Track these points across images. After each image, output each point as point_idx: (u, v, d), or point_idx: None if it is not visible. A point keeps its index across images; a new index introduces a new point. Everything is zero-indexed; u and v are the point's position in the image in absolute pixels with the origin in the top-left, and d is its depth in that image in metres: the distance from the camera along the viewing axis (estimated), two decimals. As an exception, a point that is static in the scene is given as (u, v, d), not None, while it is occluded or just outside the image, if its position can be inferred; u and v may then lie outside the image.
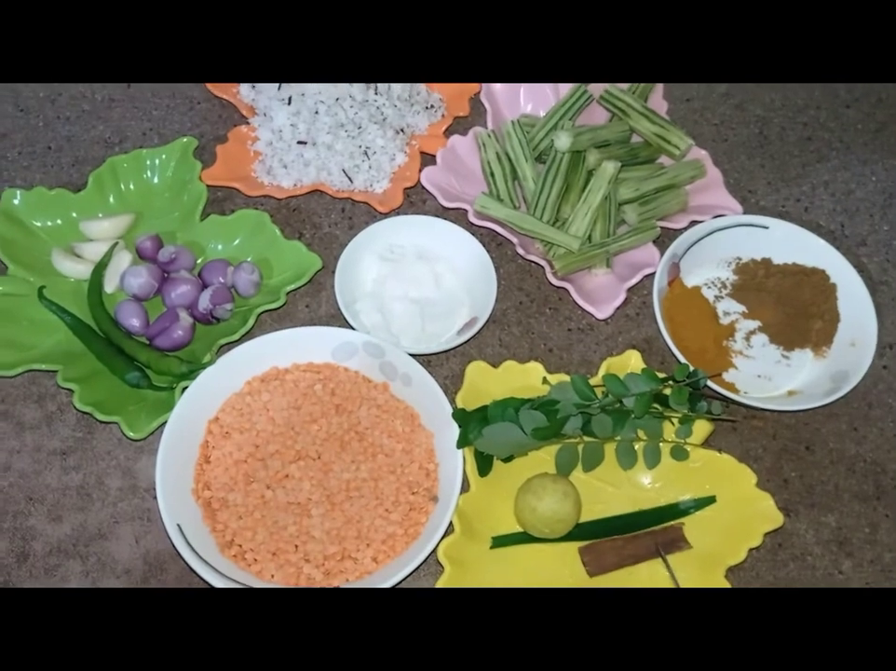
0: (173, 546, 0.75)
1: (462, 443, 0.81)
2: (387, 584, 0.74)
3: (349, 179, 0.98)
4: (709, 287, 0.97)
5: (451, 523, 0.78)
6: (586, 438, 0.83)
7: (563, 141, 0.94)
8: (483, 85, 1.04)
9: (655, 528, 0.83)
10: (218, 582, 0.73)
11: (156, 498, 0.77)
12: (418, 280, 0.93)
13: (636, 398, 0.81)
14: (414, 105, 1.03)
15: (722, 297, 0.96)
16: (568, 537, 0.80)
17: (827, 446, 0.89)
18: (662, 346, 0.91)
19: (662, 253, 0.93)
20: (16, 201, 0.93)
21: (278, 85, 1.00)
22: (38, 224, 0.94)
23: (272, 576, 0.77)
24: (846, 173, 1.07)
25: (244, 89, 1.03)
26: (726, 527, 0.81)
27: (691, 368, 0.83)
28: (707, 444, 0.85)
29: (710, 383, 0.84)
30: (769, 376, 0.92)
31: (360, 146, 0.98)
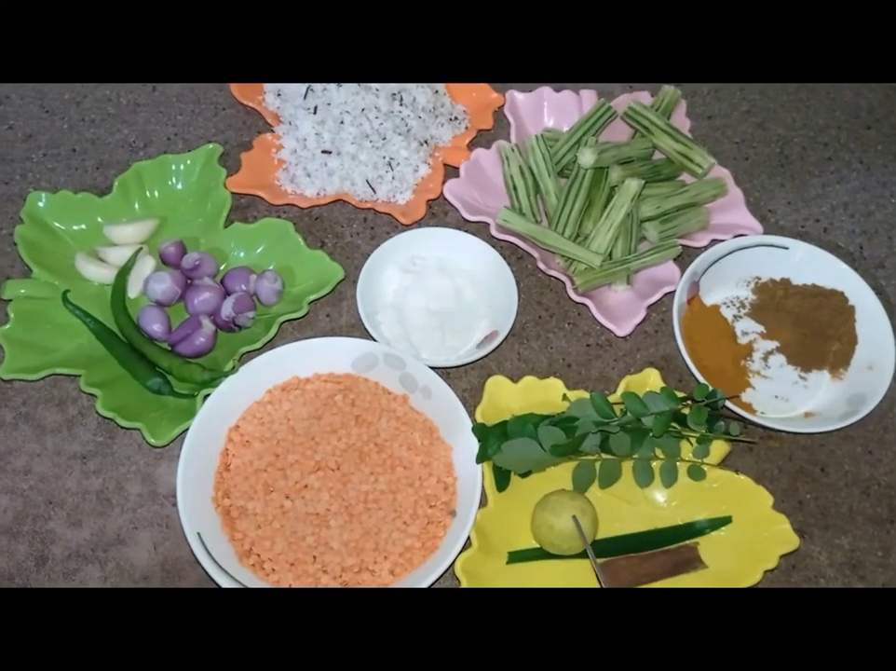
0: (192, 554, 0.76)
1: (482, 457, 0.81)
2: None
3: (372, 189, 0.98)
4: (728, 306, 0.97)
5: (468, 537, 0.79)
6: (604, 455, 0.83)
7: (587, 157, 0.94)
8: (507, 98, 1.04)
9: (670, 547, 0.83)
10: (237, 592, 0.74)
11: (175, 504, 0.78)
12: (439, 293, 0.94)
13: (655, 417, 0.82)
14: (438, 117, 1.03)
15: (741, 317, 0.96)
16: (584, 554, 0.80)
17: (842, 469, 0.90)
18: (681, 364, 0.92)
19: (682, 271, 0.94)
20: (41, 204, 0.93)
21: (303, 94, 1.01)
22: (63, 227, 0.94)
23: (290, 586, 0.77)
24: (865, 195, 1.07)
25: (269, 96, 1.04)
26: (742, 548, 0.81)
27: (710, 388, 0.84)
28: (724, 464, 0.86)
29: (728, 403, 0.85)
30: (786, 396, 0.92)
31: (384, 157, 0.98)
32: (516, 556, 0.81)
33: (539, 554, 0.82)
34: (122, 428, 0.85)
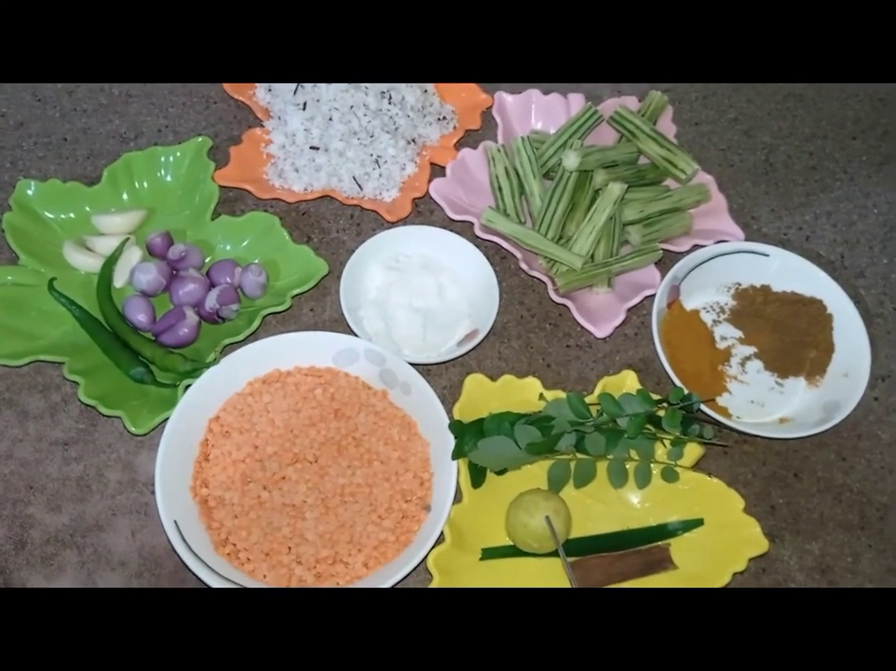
0: (169, 541, 0.77)
1: (457, 454, 0.82)
2: (377, 590, 0.76)
3: (359, 186, 0.99)
4: (707, 311, 0.98)
5: (442, 533, 0.80)
6: (579, 455, 0.84)
7: (571, 160, 0.95)
8: (496, 99, 1.06)
9: (642, 548, 0.84)
10: (211, 580, 0.75)
11: (153, 493, 0.79)
12: (422, 290, 0.95)
13: (630, 418, 0.83)
14: (426, 116, 1.04)
15: (720, 322, 0.98)
16: (557, 552, 0.82)
17: (815, 475, 0.91)
18: (658, 367, 0.93)
19: (663, 274, 0.95)
20: (30, 192, 0.94)
21: (293, 89, 1.01)
22: (51, 216, 0.95)
23: (264, 576, 0.78)
24: (848, 204, 1.09)
25: (260, 91, 1.05)
26: (712, 550, 0.82)
27: (685, 391, 0.85)
28: (697, 466, 0.87)
29: (703, 407, 0.86)
30: (762, 402, 0.93)
31: (372, 155, 0.99)
32: (489, 553, 0.82)
33: (512, 551, 0.82)
34: (104, 416, 0.86)
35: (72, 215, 0.95)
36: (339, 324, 0.94)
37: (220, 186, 0.97)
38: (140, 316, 0.89)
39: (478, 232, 0.96)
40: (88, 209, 0.96)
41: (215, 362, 0.85)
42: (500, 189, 0.99)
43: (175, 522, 0.77)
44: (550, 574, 0.82)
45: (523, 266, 0.94)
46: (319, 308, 0.96)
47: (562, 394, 0.87)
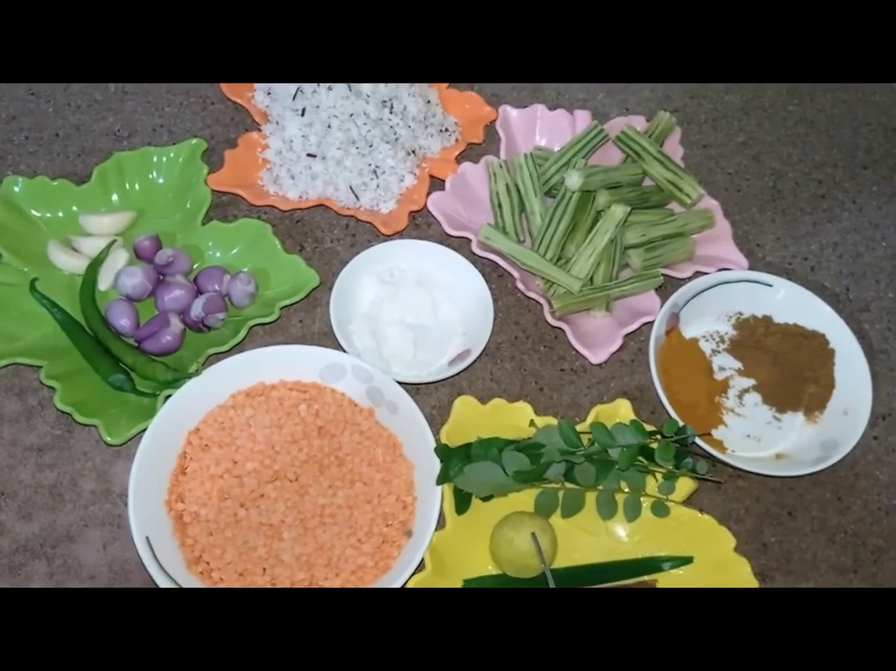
0: (139, 558, 0.74)
1: (442, 479, 0.80)
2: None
3: (356, 196, 0.97)
4: (707, 340, 0.96)
5: (423, 560, 0.77)
6: (568, 484, 0.82)
7: (574, 180, 0.93)
8: (500, 113, 1.03)
9: (628, 581, 0.82)
10: (181, 600, 0.73)
11: (127, 505, 0.76)
12: (415, 306, 0.92)
13: (622, 450, 0.80)
14: (427, 128, 1.02)
15: (719, 352, 0.95)
16: (541, 579, 0.79)
17: (810, 514, 0.88)
18: (654, 395, 0.90)
19: (663, 300, 0.92)
20: (17, 189, 0.92)
21: (293, 94, 0.99)
22: (38, 214, 0.93)
23: (236, 597, 0.76)
24: (856, 236, 1.06)
25: (259, 94, 1.02)
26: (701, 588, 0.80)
27: (680, 424, 0.83)
28: (690, 501, 0.84)
29: (698, 440, 0.84)
30: (759, 436, 0.91)
31: (370, 165, 0.97)
32: (472, 583, 0.80)
33: (495, 580, 0.80)
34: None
35: (59, 214, 0.93)
36: (328, 337, 0.91)
37: (212, 191, 0.95)
38: (123, 321, 0.87)
39: (475, 249, 0.94)
40: (75, 209, 0.93)
41: (197, 373, 0.83)
42: (500, 206, 0.96)
43: (147, 538, 0.75)
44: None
45: (520, 286, 0.92)
46: (308, 319, 0.93)
47: (553, 421, 0.84)
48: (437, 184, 1.00)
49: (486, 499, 0.82)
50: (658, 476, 0.83)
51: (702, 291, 0.94)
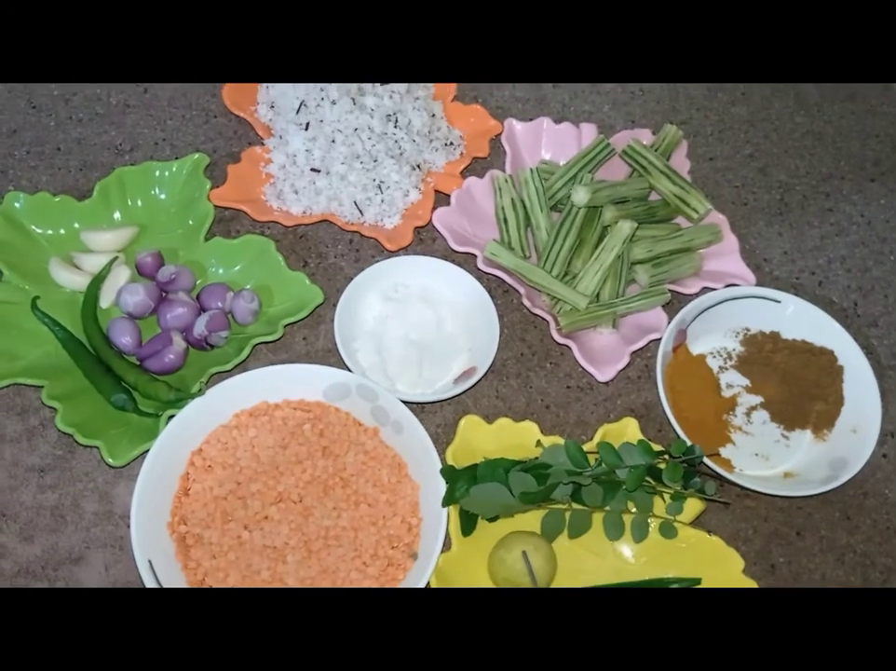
0: (142, 581, 0.74)
1: (448, 501, 0.79)
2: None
3: (360, 211, 0.96)
4: (714, 356, 0.95)
5: (428, 582, 0.76)
6: (574, 505, 0.81)
7: (580, 196, 0.92)
8: (505, 126, 1.02)
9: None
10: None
11: (130, 527, 0.76)
12: (420, 323, 0.92)
13: (630, 470, 0.80)
14: (433, 142, 1.00)
15: (727, 369, 0.94)
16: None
17: (818, 533, 0.87)
18: (661, 413, 0.89)
19: (670, 316, 0.92)
20: (18, 205, 0.91)
21: (296, 108, 0.98)
22: (39, 230, 0.92)
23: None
24: (864, 250, 1.05)
25: (262, 108, 1.01)
26: (709, 611, 0.79)
27: (688, 443, 0.82)
28: (697, 521, 0.84)
29: (705, 459, 0.83)
30: (767, 454, 0.90)
31: (374, 180, 0.96)
32: (476, 604, 0.79)
33: (501, 603, 0.79)
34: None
35: (61, 231, 0.92)
36: (332, 355, 0.90)
37: (215, 206, 0.94)
38: (125, 339, 0.86)
39: (481, 265, 0.93)
40: (77, 225, 0.92)
41: (200, 393, 0.82)
42: (506, 221, 0.95)
43: (150, 562, 0.74)
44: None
45: (526, 302, 0.91)
46: (312, 336, 0.92)
47: (560, 440, 0.84)
48: (442, 198, 0.99)
49: (492, 519, 0.82)
50: (666, 497, 0.82)
51: (710, 307, 0.93)
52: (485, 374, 0.89)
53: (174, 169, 0.96)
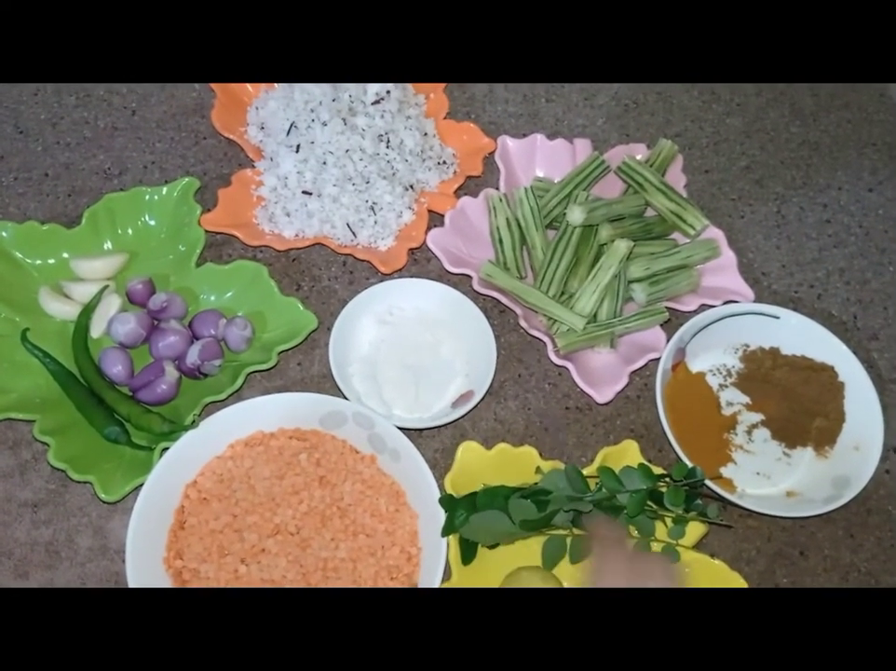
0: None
1: (448, 530, 0.78)
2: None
3: (353, 234, 0.94)
4: (714, 374, 0.94)
5: (429, 613, 0.75)
6: (575, 530, 0.80)
7: (576, 215, 0.91)
8: (499, 144, 1.01)
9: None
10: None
11: (125, 562, 0.74)
12: (416, 346, 0.90)
13: (631, 495, 0.79)
14: (425, 161, 0.99)
15: (726, 386, 0.93)
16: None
17: (822, 552, 0.87)
18: (661, 432, 0.88)
19: (669, 334, 0.91)
20: (5, 234, 0.89)
21: (287, 130, 0.97)
22: (28, 260, 0.90)
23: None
24: (863, 261, 1.04)
25: (252, 129, 1.00)
26: (713, 637, 0.78)
27: (689, 466, 0.81)
28: (700, 544, 0.83)
29: (707, 481, 0.82)
30: (769, 473, 0.89)
31: (367, 201, 0.95)
32: (478, 634, 0.78)
33: (502, 632, 0.78)
34: (74, 479, 0.81)
35: (50, 261, 0.91)
36: (327, 380, 0.89)
37: (206, 231, 0.93)
38: (117, 369, 0.85)
39: (476, 286, 0.92)
40: (66, 254, 0.91)
41: (194, 425, 0.81)
42: (501, 241, 0.94)
43: (146, 600, 0.73)
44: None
45: (523, 323, 0.90)
46: (306, 362, 0.91)
47: (560, 465, 0.83)
48: (436, 218, 0.97)
49: (492, 547, 0.81)
50: (668, 521, 0.81)
51: (708, 324, 0.92)
52: (483, 396, 0.88)
53: (164, 193, 0.94)
